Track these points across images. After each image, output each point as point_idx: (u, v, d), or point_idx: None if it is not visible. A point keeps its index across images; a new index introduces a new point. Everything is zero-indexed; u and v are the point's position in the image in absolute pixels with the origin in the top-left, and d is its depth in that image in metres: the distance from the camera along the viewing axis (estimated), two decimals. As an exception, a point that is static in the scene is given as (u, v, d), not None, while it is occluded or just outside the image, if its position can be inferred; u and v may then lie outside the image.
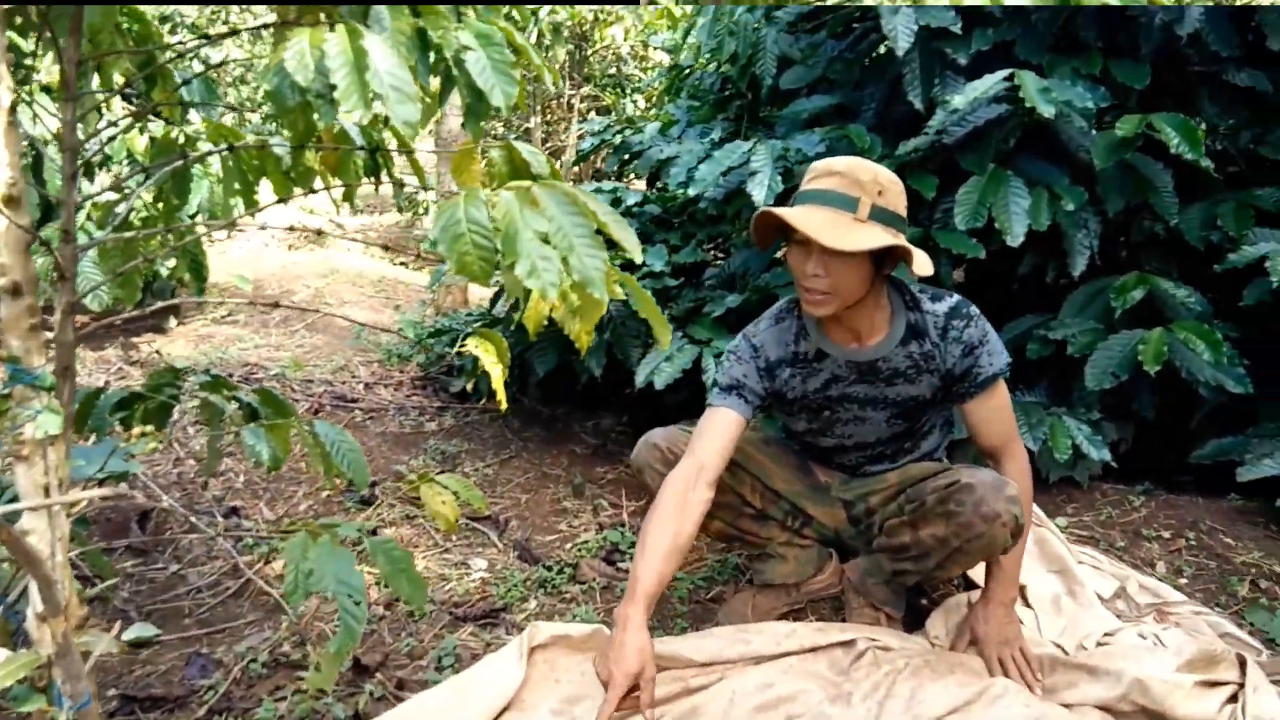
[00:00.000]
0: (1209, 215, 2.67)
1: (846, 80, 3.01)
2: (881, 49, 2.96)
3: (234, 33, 1.56)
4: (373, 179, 1.83)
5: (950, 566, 1.82)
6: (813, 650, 1.82)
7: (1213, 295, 2.64)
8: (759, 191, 2.39)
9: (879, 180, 1.64)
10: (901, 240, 1.64)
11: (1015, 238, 2.43)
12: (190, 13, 6.36)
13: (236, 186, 1.69)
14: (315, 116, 1.19)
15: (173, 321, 4.39)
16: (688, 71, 3.81)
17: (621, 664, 1.54)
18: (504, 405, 1.61)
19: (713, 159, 2.53)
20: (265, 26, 1.39)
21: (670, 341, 1.38)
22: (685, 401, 2.82)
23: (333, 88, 1.13)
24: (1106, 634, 1.93)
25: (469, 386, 3.04)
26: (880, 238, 1.60)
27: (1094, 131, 2.56)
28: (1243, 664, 1.74)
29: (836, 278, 1.65)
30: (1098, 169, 2.52)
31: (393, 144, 1.74)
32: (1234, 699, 1.69)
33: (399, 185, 1.83)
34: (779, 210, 1.63)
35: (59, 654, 1.23)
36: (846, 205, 1.62)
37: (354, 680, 1.92)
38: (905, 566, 1.88)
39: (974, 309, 1.78)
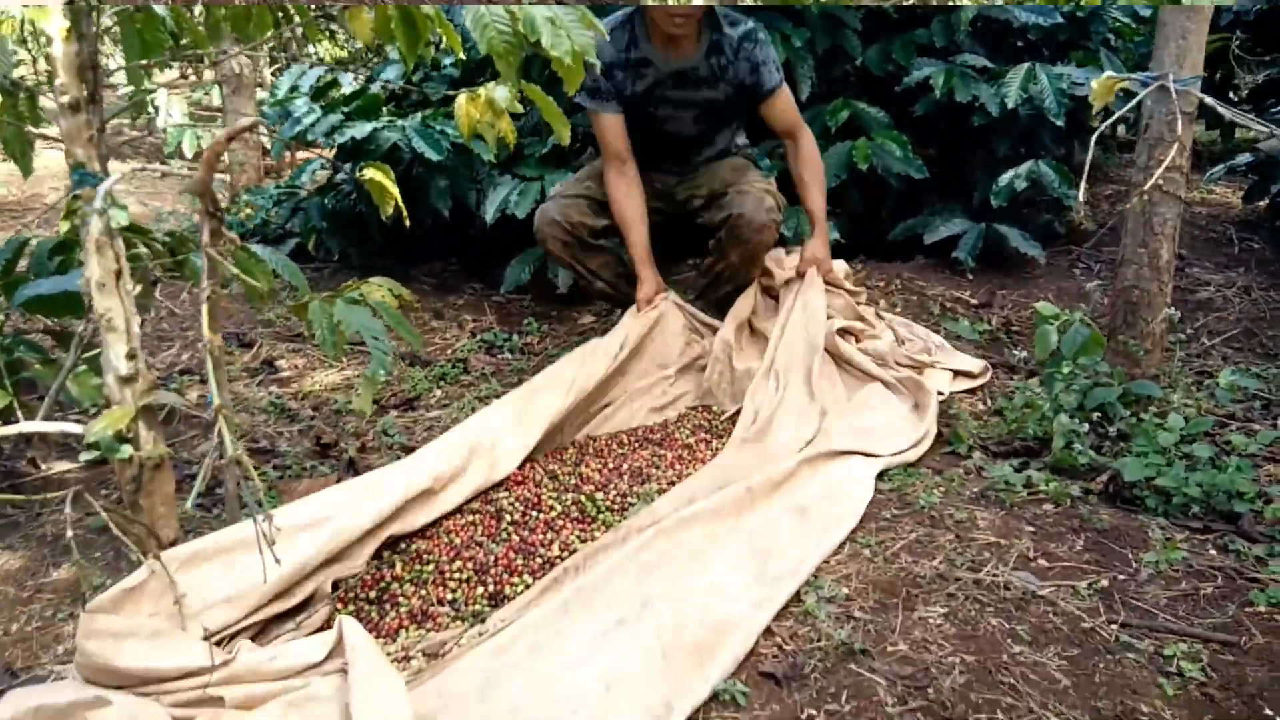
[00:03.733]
0: (885, 51, 3.58)
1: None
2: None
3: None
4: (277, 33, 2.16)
5: (752, 268, 2.71)
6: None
7: (894, 111, 3.56)
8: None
9: None
10: None
11: (764, 71, 3.16)
12: None
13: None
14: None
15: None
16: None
17: (642, 289, 2.59)
18: (407, 222, 2.08)
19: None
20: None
21: (568, 137, 1.92)
22: (509, 243, 3.35)
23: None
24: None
25: (311, 245, 3.32)
26: None
27: (808, -14, 3.34)
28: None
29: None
30: (814, 14, 3.31)
31: None
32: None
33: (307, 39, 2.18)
34: None
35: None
36: None
37: (319, 454, 2.33)
38: (725, 288, 2.75)
39: (763, 33, 2.55)
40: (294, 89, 3.41)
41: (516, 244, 3.33)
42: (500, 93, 2.03)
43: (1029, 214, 3.73)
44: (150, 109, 6.42)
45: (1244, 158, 3.70)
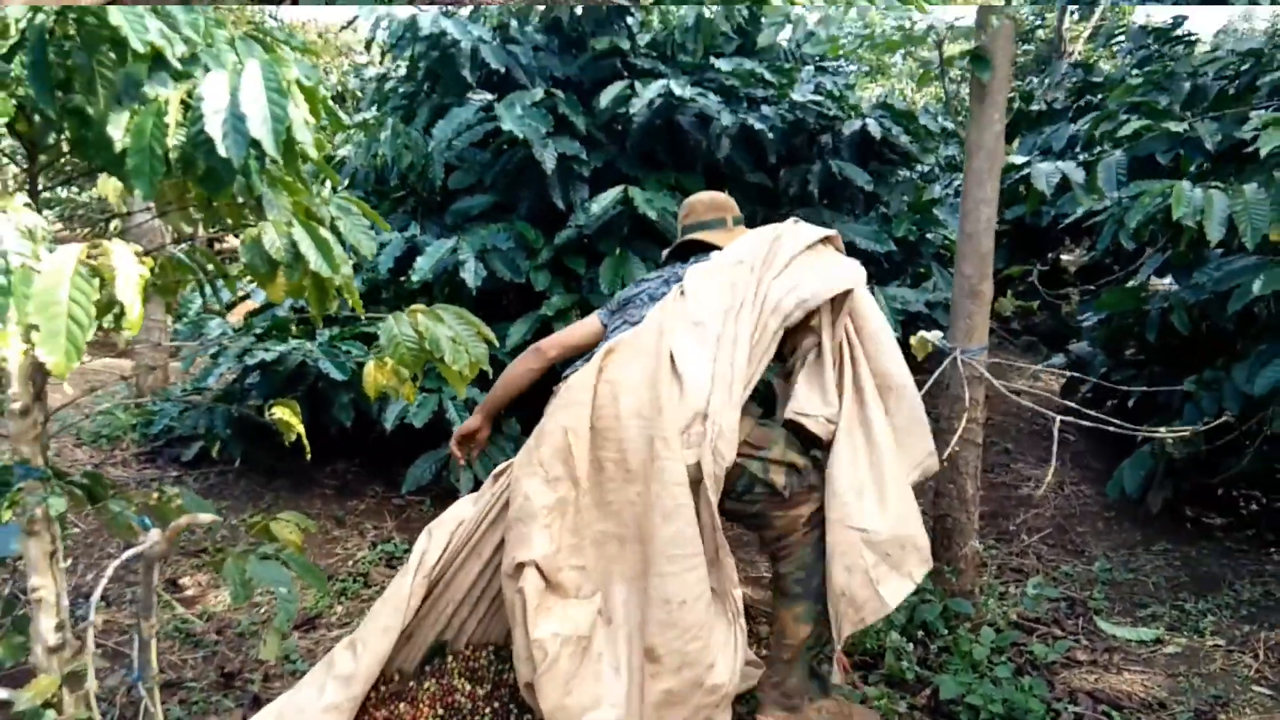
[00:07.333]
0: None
1: (502, 184, 3.97)
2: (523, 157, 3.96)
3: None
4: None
5: None
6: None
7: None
8: (470, 276, 3.27)
9: None
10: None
11: (640, 298, 3.57)
12: None
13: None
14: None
15: None
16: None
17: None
18: (309, 454, 2.35)
19: (426, 253, 3.36)
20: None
21: (464, 393, 2.24)
22: (411, 441, 3.60)
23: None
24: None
25: (215, 451, 3.51)
26: None
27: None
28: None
29: None
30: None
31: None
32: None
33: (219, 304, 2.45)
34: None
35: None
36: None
37: (224, 685, 2.47)
38: None
39: None
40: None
41: (417, 447, 3.58)
42: (480, 352, 2.22)
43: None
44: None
45: (1058, 359, 4.28)
